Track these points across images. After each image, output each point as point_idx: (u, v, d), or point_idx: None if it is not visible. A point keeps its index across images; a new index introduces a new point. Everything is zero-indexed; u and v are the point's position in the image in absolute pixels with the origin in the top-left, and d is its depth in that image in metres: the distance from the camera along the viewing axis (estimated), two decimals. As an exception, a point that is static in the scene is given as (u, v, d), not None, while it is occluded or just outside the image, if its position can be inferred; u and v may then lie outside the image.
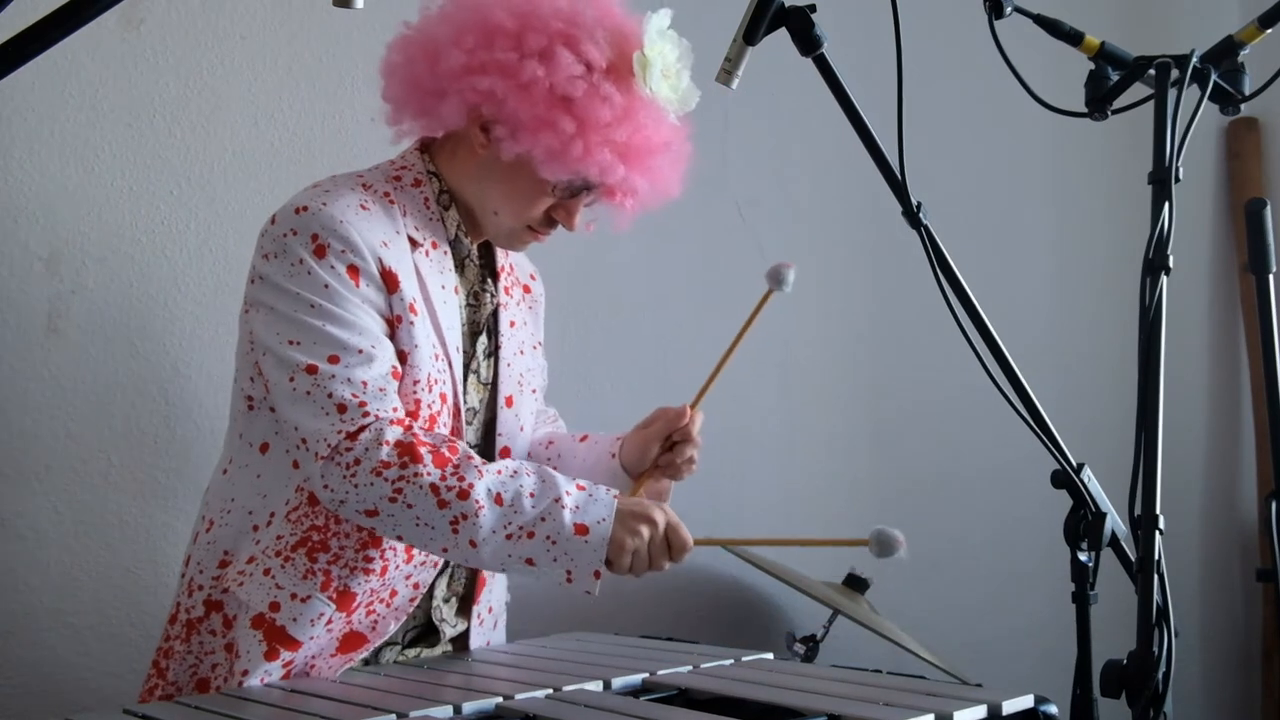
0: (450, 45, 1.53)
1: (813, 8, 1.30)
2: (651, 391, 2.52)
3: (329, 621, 1.53)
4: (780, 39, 1.32)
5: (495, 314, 1.67)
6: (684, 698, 1.50)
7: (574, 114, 1.49)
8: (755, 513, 2.61)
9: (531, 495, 1.44)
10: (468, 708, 1.38)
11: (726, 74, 1.33)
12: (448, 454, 1.45)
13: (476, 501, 1.42)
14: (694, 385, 2.60)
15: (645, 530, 1.47)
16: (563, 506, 1.44)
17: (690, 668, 1.61)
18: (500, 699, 1.42)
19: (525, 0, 1.53)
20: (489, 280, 1.67)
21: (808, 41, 1.30)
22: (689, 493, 2.54)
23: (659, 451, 1.69)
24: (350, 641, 1.56)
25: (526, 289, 1.77)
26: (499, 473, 1.46)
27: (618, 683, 1.53)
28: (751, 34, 1.30)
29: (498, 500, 1.43)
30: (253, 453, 1.56)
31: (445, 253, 1.59)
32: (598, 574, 1.45)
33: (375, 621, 1.58)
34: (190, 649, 1.56)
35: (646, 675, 1.55)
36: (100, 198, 1.94)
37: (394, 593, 1.58)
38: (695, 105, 1.57)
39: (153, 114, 1.99)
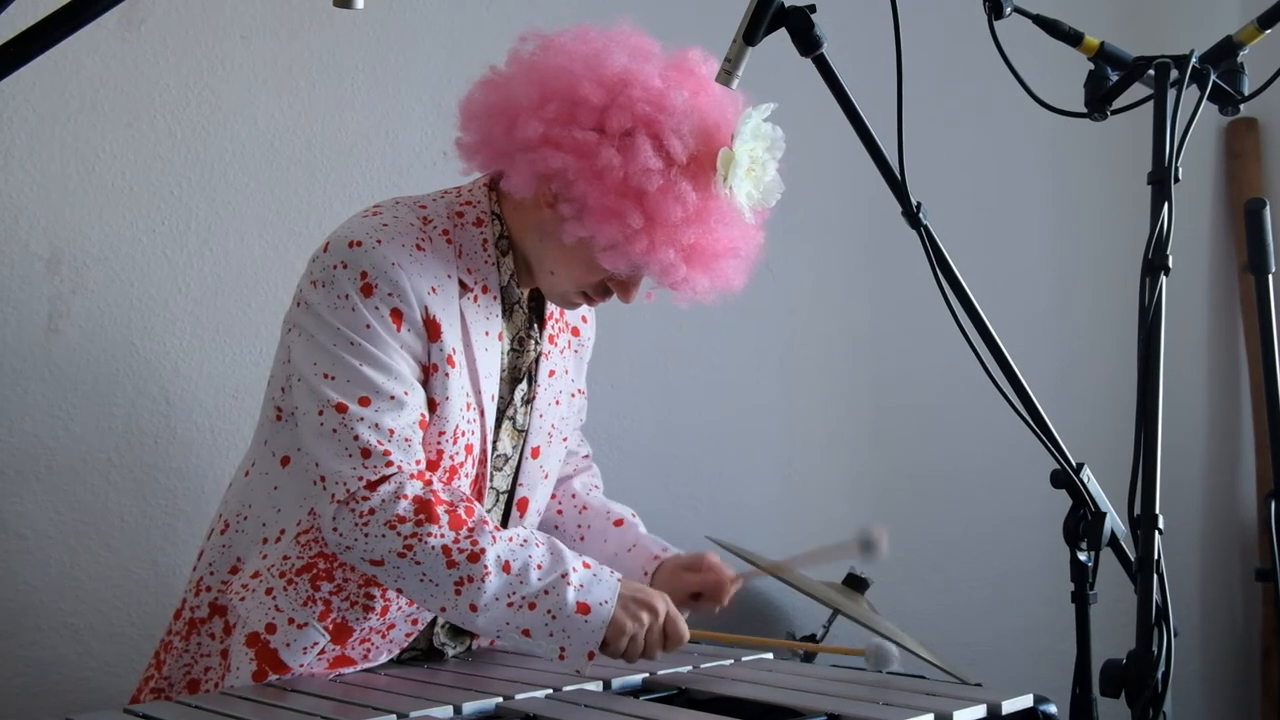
0: (530, 112, 1.46)
1: (813, 8, 1.30)
2: (650, 393, 2.53)
3: (321, 651, 1.53)
4: (780, 39, 1.32)
5: (537, 361, 1.63)
6: (684, 697, 1.51)
7: (644, 209, 1.43)
8: (755, 512, 2.61)
9: (539, 567, 1.44)
10: (468, 708, 1.38)
11: (726, 74, 1.33)
12: (463, 515, 1.44)
13: (485, 566, 1.41)
14: (691, 386, 2.61)
15: (646, 617, 1.46)
16: (568, 583, 1.44)
17: (690, 667, 1.61)
18: (500, 699, 1.42)
19: (617, 74, 1.45)
20: (535, 326, 1.64)
21: (808, 41, 1.29)
22: (690, 494, 2.54)
23: (687, 597, 1.68)
24: (339, 663, 1.56)
25: (575, 331, 1.72)
26: (510, 540, 1.45)
27: (617, 682, 1.53)
28: (751, 34, 1.30)
29: (505, 568, 1.42)
30: (274, 463, 1.55)
31: (495, 298, 1.55)
32: (591, 654, 1.44)
33: (369, 650, 1.58)
34: (188, 647, 1.56)
35: (646, 675, 1.55)
36: (101, 198, 1.94)
37: (392, 626, 1.58)
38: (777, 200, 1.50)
39: (153, 114, 1.99)
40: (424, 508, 1.41)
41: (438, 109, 2.18)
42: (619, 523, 1.77)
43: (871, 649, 1.47)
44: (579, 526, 1.77)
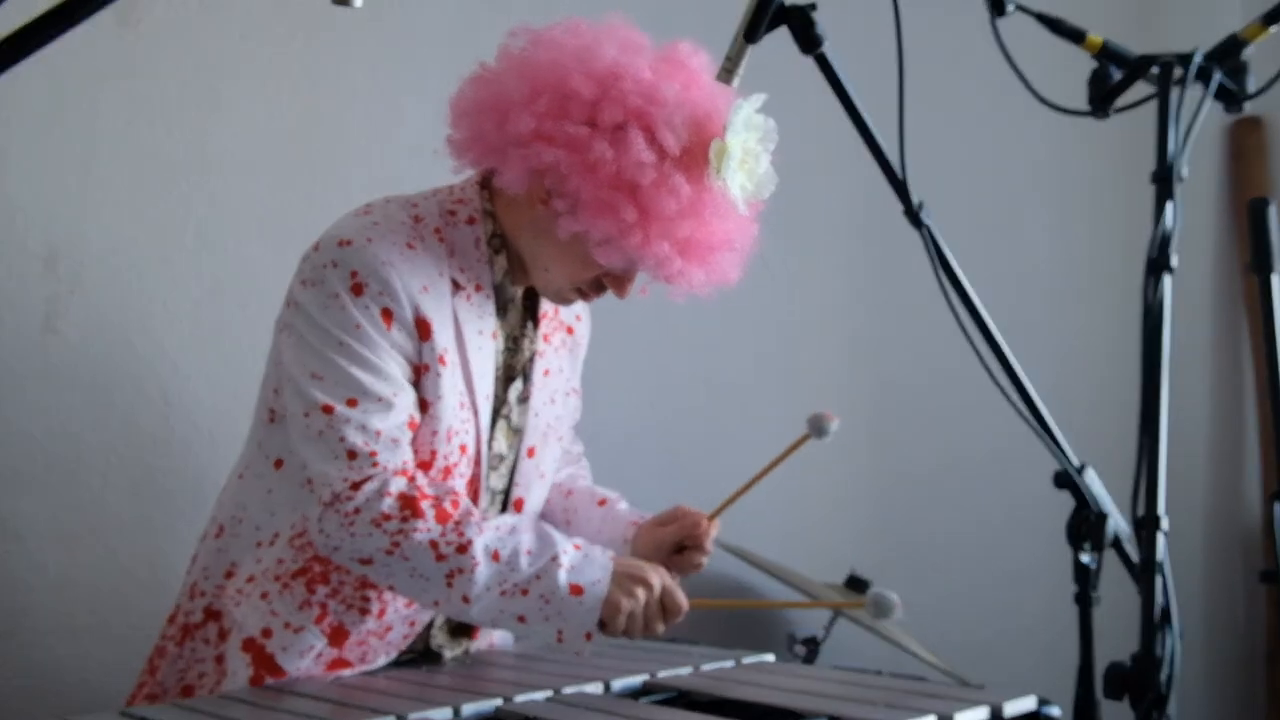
0: (521, 107, 1.45)
1: (813, 6, 1.30)
2: (650, 393, 2.52)
3: (318, 654, 1.52)
4: (780, 37, 1.32)
5: (532, 360, 1.63)
6: (684, 700, 1.50)
7: (638, 202, 1.42)
8: (755, 514, 2.59)
9: (529, 553, 1.43)
10: (467, 710, 1.38)
11: (727, 72, 1.33)
12: (449, 509, 1.43)
13: (473, 557, 1.41)
14: (691, 386, 2.60)
15: (641, 592, 1.45)
16: (559, 566, 1.43)
17: (691, 669, 1.60)
18: (500, 701, 1.41)
19: (608, 67, 1.44)
20: (530, 325, 1.63)
21: (808, 40, 1.29)
22: (689, 492, 2.53)
23: (670, 552, 1.67)
24: (336, 666, 1.56)
25: (570, 330, 1.71)
26: (498, 529, 1.44)
27: (618, 685, 1.53)
28: (752, 32, 1.30)
29: (494, 557, 1.42)
30: (267, 465, 1.55)
31: (488, 296, 1.54)
32: (589, 635, 1.43)
33: (366, 653, 1.57)
34: (182, 653, 1.56)
35: (647, 677, 1.55)
36: (99, 197, 1.94)
37: (389, 629, 1.57)
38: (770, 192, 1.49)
39: (152, 114, 1.98)
40: (408, 504, 1.41)
41: (437, 109, 2.17)
42: (602, 502, 1.76)
43: (871, 598, 1.47)
44: (565, 511, 1.76)
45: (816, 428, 1.70)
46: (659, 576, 1.48)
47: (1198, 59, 1.48)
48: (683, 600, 1.49)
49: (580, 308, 1.72)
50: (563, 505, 1.77)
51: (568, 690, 1.47)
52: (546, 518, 1.75)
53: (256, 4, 2.06)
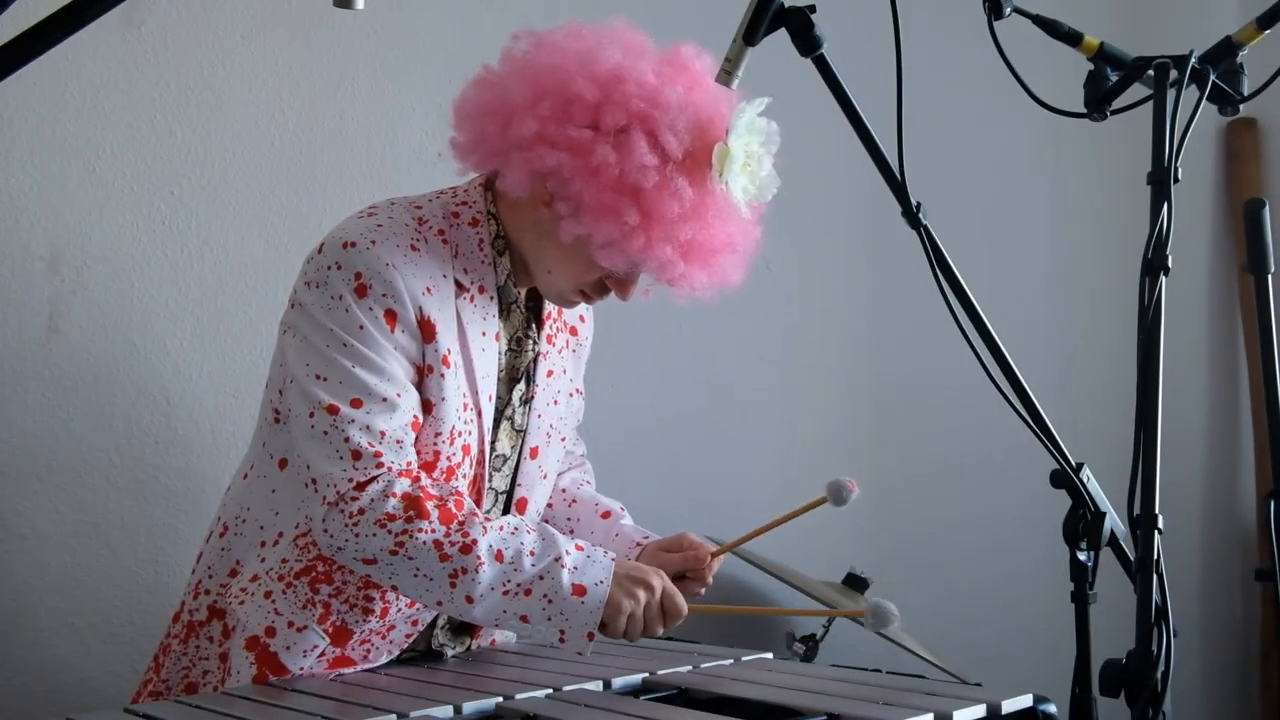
0: (525, 110, 1.46)
1: (812, 8, 1.30)
2: (650, 393, 2.53)
3: (321, 653, 1.53)
4: (780, 38, 1.32)
5: (535, 361, 1.64)
6: (684, 697, 1.51)
7: (640, 206, 1.43)
8: (755, 513, 2.60)
9: (532, 554, 1.44)
10: (468, 708, 1.38)
11: (726, 74, 1.33)
12: (453, 509, 1.44)
13: (478, 557, 1.42)
14: (691, 386, 2.61)
15: (642, 595, 1.47)
16: (562, 566, 1.44)
17: (690, 667, 1.61)
18: (500, 699, 1.42)
19: (611, 70, 1.45)
20: (533, 326, 1.64)
21: (807, 42, 1.30)
22: (689, 492, 2.55)
23: (670, 578, 1.65)
24: (339, 664, 1.56)
25: (574, 330, 1.72)
26: (501, 529, 1.45)
27: (617, 682, 1.53)
28: (751, 34, 1.30)
29: (499, 557, 1.43)
30: (272, 465, 1.55)
31: (491, 298, 1.55)
32: (591, 635, 1.45)
33: (368, 651, 1.58)
34: (186, 650, 1.56)
35: (646, 675, 1.55)
36: (101, 197, 1.95)
37: (392, 628, 1.58)
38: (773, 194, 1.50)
39: (153, 114, 1.99)
40: (413, 504, 1.42)
41: (438, 109, 2.18)
42: (606, 515, 1.77)
43: (871, 608, 1.48)
44: (568, 520, 1.78)
45: (835, 495, 1.70)
46: (660, 579, 1.49)
47: (1193, 61, 1.49)
48: (682, 604, 1.50)
49: (584, 309, 1.72)
50: (566, 514, 1.78)
51: (568, 688, 1.48)
52: (549, 523, 1.76)
53: (257, 4, 2.07)
